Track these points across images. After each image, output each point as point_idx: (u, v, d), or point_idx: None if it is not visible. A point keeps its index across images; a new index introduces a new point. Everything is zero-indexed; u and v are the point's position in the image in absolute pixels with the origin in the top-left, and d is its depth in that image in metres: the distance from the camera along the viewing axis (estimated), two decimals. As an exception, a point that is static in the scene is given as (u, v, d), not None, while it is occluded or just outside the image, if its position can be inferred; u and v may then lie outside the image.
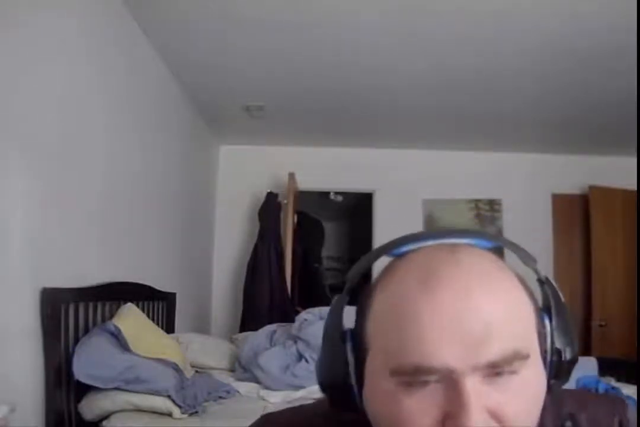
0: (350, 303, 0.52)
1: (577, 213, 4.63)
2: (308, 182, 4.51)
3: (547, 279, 0.51)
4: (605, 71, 3.04)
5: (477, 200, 4.68)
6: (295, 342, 2.58)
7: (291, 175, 4.28)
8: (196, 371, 2.57)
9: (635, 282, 3.95)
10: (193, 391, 1.98)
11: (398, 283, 0.48)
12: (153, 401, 1.87)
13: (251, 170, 4.68)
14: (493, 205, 4.68)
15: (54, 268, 1.89)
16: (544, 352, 0.49)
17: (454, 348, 0.43)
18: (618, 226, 4.40)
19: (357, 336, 0.50)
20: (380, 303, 0.48)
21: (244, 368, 2.59)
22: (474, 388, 0.43)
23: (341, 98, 3.62)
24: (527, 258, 0.51)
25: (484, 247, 0.50)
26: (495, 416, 0.44)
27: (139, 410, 1.87)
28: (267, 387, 2.40)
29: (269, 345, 2.69)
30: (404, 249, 0.50)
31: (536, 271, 0.50)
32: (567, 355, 0.50)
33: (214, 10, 2.49)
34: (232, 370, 2.74)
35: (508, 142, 4.52)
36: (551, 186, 4.71)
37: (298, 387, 2.29)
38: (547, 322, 0.49)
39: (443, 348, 0.43)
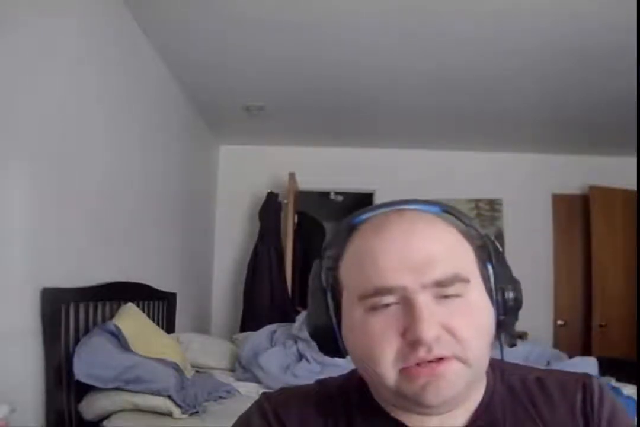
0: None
1: (577, 213, 4.63)
2: (308, 182, 4.51)
3: (487, 235, 0.61)
4: (605, 71, 3.04)
5: (477, 200, 4.68)
6: (296, 342, 2.58)
7: (291, 175, 4.28)
8: (196, 371, 2.57)
9: (635, 283, 3.94)
10: (193, 391, 1.98)
11: (359, 237, 0.59)
12: (153, 401, 1.86)
13: (251, 170, 4.68)
14: (493, 205, 4.69)
15: (54, 268, 1.89)
16: (489, 291, 0.58)
17: (404, 271, 0.54)
18: (618, 226, 4.40)
19: (333, 285, 0.61)
20: (347, 253, 0.60)
21: (244, 368, 2.59)
22: (426, 304, 0.53)
23: (341, 98, 3.62)
24: (466, 218, 0.61)
25: (429, 211, 0.61)
26: (447, 329, 0.52)
27: (139, 410, 1.87)
28: (267, 387, 2.39)
29: (269, 345, 2.69)
30: (364, 216, 0.62)
31: (476, 229, 0.61)
32: (510, 293, 0.59)
33: (214, 10, 2.49)
34: (232, 370, 2.75)
35: (508, 142, 4.52)
36: (551, 186, 4.71)
37: (298, 387, 2.28)
38: (489, 266, 0.59)
39: (395, 272, 0.54)
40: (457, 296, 0.54)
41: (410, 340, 0.52)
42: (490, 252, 0.60)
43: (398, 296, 0.54)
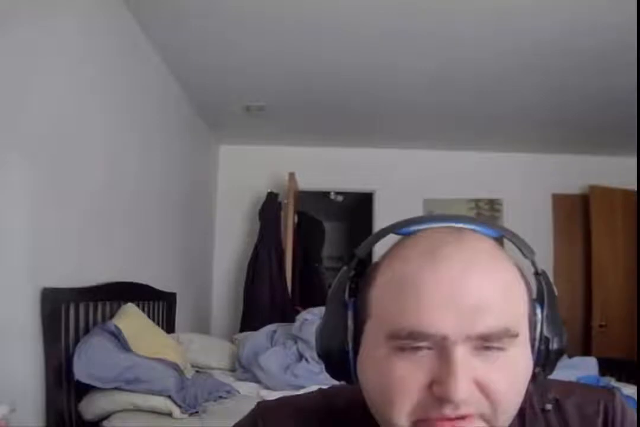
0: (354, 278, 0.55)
1: (577, 213, 4.63)
2: (308, 182, 4.51)
3: (543, 271, 0.53)
4: (605, 71, 3.04)
5: (477, 200, 4.68)
6: (296, 342, 2.58)
7: (291, 175, 4.28)
8: (196, 371, 2.57)
9: (635, 283, 3.94)
10: (193, 391, 1.98)
11: (404, 256, 0.50)
12: (153, 401, 1.87)
13: (251, 170, 4.68)
14: (493, 205, 4.69)
15: (53, 268, 1.89)
16: (532, 340, 0.51)
17: (449, 317, 0.45)
18: (618, 226, 4.40)
19: (359, 305, 0.52)
20: (386, 273, 0.50)
21: (244, 368, 2.59)
22: (464, 358, 0.45)
23: (341, 98, 3.62)
24: (527, 250, 0.53)
25: (487, 235, 0.52)
26: (480, 387, 0.46)
27: (139, 410, 1.87)
28: (267, 387, 2.40)
29: (270, 345, 2.69)
30: (412, 228, 0.53)
31: (533, 263, 0.53)
32: (555, 345, 0.52)
33: (215, 10, 2.49)
34: (232, 370, 2.75)
35: (508, 142, 4.52)
36: (551, 186, 4.71)
37: (298, 387, 2.29)
38: (538, 311, 0.51)
39: (439, 316, 0.45)
40: (500, 349, 0.47)
41: (438, 396, 0.45)
42: (543, 294, 0.52)
43: (433, 342, 0.46)
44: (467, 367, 0.45)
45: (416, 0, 2.38)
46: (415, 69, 3.12)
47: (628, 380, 2.53)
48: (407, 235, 0.53)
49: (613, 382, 2.46)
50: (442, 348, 0.46)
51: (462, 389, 0.44)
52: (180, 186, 3.57)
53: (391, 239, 0.55)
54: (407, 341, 0.46)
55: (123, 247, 2.55)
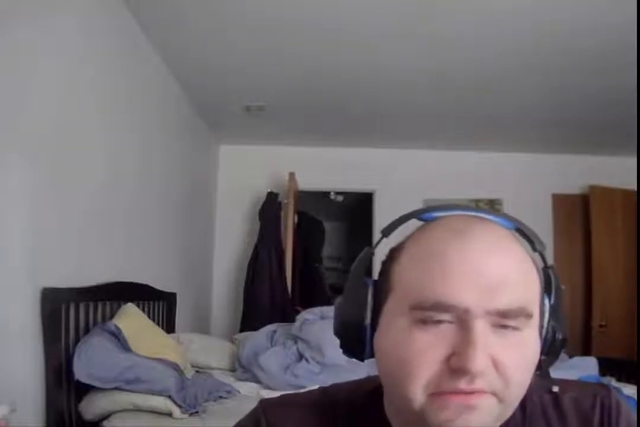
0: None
1: (577, 213, 4.63)
2: (308, 182, 4.51)
3: (552, 266, 0.56)
4: (605, 71, 3.04)
5: (477, 200, 4.68)
6: (296, 342, 2.58)
7: (291, 176, 4.28)
8: (196, 371, 2.57)
9: (635, 283, 3.94)
10: (193, 391, 1.98)
11: (431, 233, 0.53)
12: (153, 401, 1.86)
13: (251, 170, 4.68)
14: (493, 205, 4.68)
15: (53, 268, 1.89)
16: (540, 327, 0.53)
17: (472, 291, 0.48)
18: (618, 226, 4.40)
19: (381, 282, 0.54)
20: (412, 248, 0.53)
21: (244, 368, 2.59)
22: (483, 331, 0.47)
23: (341, 98, 3.62)
24: (539, 243, 0.56)
25: (505, 227, 0.55)
26: (495, 363, 0.48)
27: (139, 410, 1.87)
28: (267, 387, 2.40)
29: (270, 345, 2.69)
30: (435, 214, 0.56)
31: (543, 256, 0.56)
32: (559, 335, 0.54)
33: (215, 10, 2.49)
34: (232, 370, 2.75)
35: (508, 142, 4.53)
36: (551, 186, 4.71)
37: (298, 387, 2.29)
38: (546, 301, 0.54)
39: (463, 289, 0.48)
40: (515, 329, 0.49)
41: (456, 367, 0.47)
42: (551, 285, 0.55)
43: (454, 316, 0.48)
44: (485, 341, 0.47)
45: (416, 0, 2.38)
46: (415, 69, 3.12)
47: (628, 380, 2.53)
48: (431, 220, 0.55)
49: (613, 382, 2.46)
50: (463, 321, 0.48)
51: (480, 360, 0.46)
52: (180, 186, 3.57)
53: (397, 234, 0.58)
54: (430, 312, 0.48)
55: (123, 247, 2.55)
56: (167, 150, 3.29)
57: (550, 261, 0.56)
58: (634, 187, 3.92)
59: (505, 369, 0.48)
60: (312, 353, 2.46)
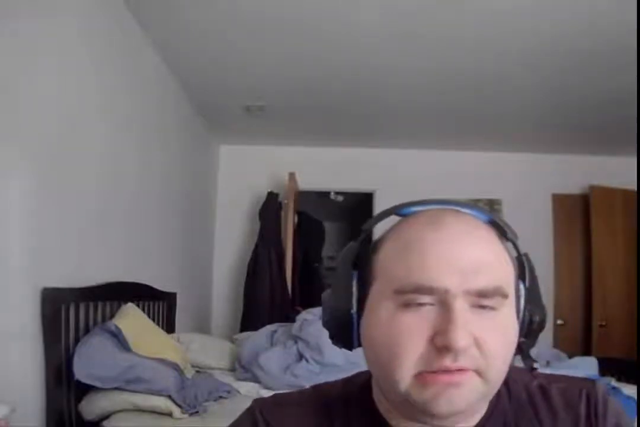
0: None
1: (577, 213, 4.63)
2: (308, 182, 4.51)
3: (526, 254, 0.59)
4: (605, 71, 3.04)
5: (477, 200, 4.68)
6: (296, 342, 2.58)
7: (291, 175, 4.28)
8: (196, 371, 2.57)
9: (635, 282, 3.95)
10: (193, 390, 1.98)
11: (409, 224, 0.57)
12: (153, 401, 1.86)
13: (251, 170, 4.68)
14: (493, 205, 4.68)
15: (54, 268, 1.89)
16: (517, 312, 0.56)
17: (450, 273, 0.51)
18: (618, 226, 4.40)
19: (364, 272, 0.58)
20: (391, 240, 0.56)
21: (244, 368, 2.59)
22: (463, 311, 0.50)
23: (341, 98, 3.62)
24: (511, 233, 0.58)
25: (479, 218, 0.58)
26: (476, 340, 0.50)
27: (139, 410, 1.87)
28: (267, 387, 2.40)
29: (269, 345, 2.69)
30: (413, 209, 0.59)
31: (516, 246, 0.59)
32: (537, 317, 0.57)
33: (215, 10, 2.49)
34: (232, 370, 2.75)
35: (508, 142, 4.53)
36: (551, 186, 4.71)
37: (298, 387, 2.28)
38: (522, 286, 0.57)
39: (442, 272, 0.51)
40: (492, 309, 0.52)
41: (440, 345, 0.49)
42: (525, 272, 0.58)
43: (436, 298, 0.51)
44: (465, 320, 0.50)
45: (416, 0, 2.38)
46: (415, 69, 3.12)
47: (628, 380, 2.53)
48: (411, 214, 0.59)
49: (613, 382, 2.46)
50: (443, 302, 0.51)
51: (462, 337, 0.48)
52: (180, 186, 3.57)
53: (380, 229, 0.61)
54: (413, 295, 0.51)
55: (123, 247, 2.55)
56: (167, 150, 3.29)
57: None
58: (634, 187, 3.92)
59: (486, 346, 0.50)
60: (312, 353, 2.46)
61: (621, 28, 2.51)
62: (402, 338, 0.51)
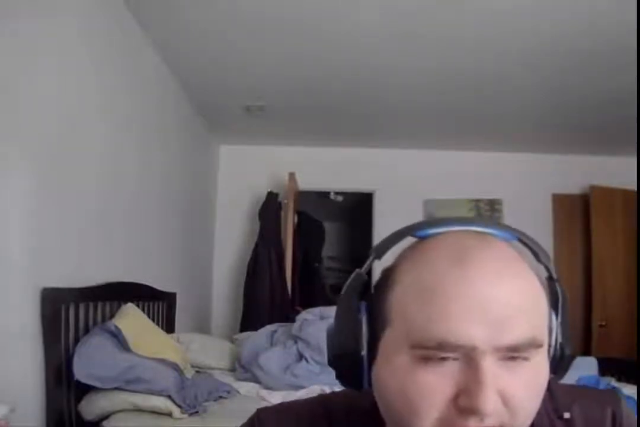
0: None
1: (577, 213, 4.63)
2: (308, 182, 4.51)
3: (557, 278, 0.52)
4: (605, 71, 3.04)
5: (477, 200, 4.68)
6: (296, 342, 2.58)
7: (291, 176, 4.28)
8: (196, 371, 2.57)
9: (635, 282, 3.94)
10: (193, 391, 1.98)
11: (429, 259, 0.48)
12: (153, 401, 1.86)
13: (251, 170, 4.68)
14: (493, 205, 4.69)
15: (54, 268, 1.89)
16: (548, 347, 0.50)
17: (479, 327, 0.44)
18: (618, 226, 4.40)
19: (377, 309, 0.50)
20: (408, 277, 0.49)
21: (244, 368, 2.59)
22: (491, 369, 0.44)
23: (341, 98, 3.62)
24: (543, 255, 0.53)
25: (506, 239, 0.51)
26: (503, 395, 0.45)
27: (139, 410, 1.87)
28: (267, 387, 2.40)
29: (269, 345, 2.69)
30: (431, 231, 0.51)
31: (548, 268, 0.52)
32: (567, 351, 0.52)
33: (215, 10, 2.49)
34: (232, 370, 2.75)
35: (508, 142, 4.52)
36: (551, 186, 4.71)
37: (298, 387, 2.29)
38: (554, 317, 0.51)
39: (468, 326, 0.44)
40: (524, 359, 0.46)
41: (465, 407, 0.44)
42: (558, 301, 0.52)
43: (460, 353, 0.45)
44: (494, 378, 0.44)
45: (416, 0, 2.38)
46: (415, 69, 3.12)
47: (628, 380, 2.53)
48: (425, 238, 0.51)
49: (613, 382, 2.46)
50: (469, 359, 0.45)
51: (490, 400, 0.43)
52: (180, 186, 3.57)
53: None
54: (434, 351, 0.45)
55: (123, 247, 2.55)
56: (167, 150, 3.29)
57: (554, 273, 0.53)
58: (634, 187, 3.92)
59: (515, 403, 0.46)
60: (311, 353, 2.46)
61: (621, 28, 2.51)
62: (421, 397, 0.46)
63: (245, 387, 2.39)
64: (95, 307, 2.16)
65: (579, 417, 0.57)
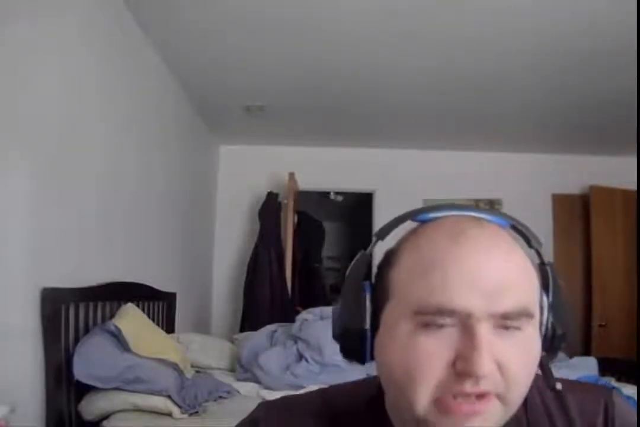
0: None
1: (577, 213, 4.64)
2: (308, 182, 4.51)
3: (550, 263, 0.57)
4: (605, 71, 3.04)
5: (477, 200, 4.68)
6: (296, 342, 2.58)
7: (291, 176, 4.28)
8: (196, 371, 2.57)
9: (635, 282, 3.94)
10: (193, 391, 1.98)
11: (428, 238, 0.52)
12: (153, 401, 1.86)
13: (251, 170, 4.68)
14: (493, 205, 4.69)
15: (54, 268, 1.89)
16: (539, 325, 0.53)
17: (474, 295, 0.48)
18: (618, 226, 4.40)
19: (379, 286, 0.54)
20: (409, 254, 0.53)
21: (244, 368, 2.59)
22: (487, 335, 0.48)
23: (341, 98, 3.62)
24: (535, 240, 0.57)
25: (500, 225, 0.55)
26: (498, 363, 0.48)
27: (139, 410, 1.87)
28: (267, 387, 2.40)
29: (269, 345, 2.69)
30: (431, 215, 0.55)
31: (540, 253, 0.57)
32: (559, 331, 0.55)
33: (215, 10, 2.49)
34: (232, 370, 2.75)
35: (508, 142, 4.53)
36: (551, 186, 4.71)
37: (298, 387, 2.29)
38: (544, 298, 0.55)
39: (465, 294, 0.48)
40: (516, 329, 0.49)
41: (461, 370, 0.47)
42: (549, 282, 0.55)
43: (458, 320, 0.48)
44: (490, 344, 0.47)
45: (416, 0, 2.38)
46: (415, 69, 3.12)
47: (628, 380, 2.53)
48: (426, 222, 0.55)
49: (613, 382, 2.46)
50: (466, 325, 0.48)
51: (486, 363, 0.46)
52: (180, 186, 3.57)
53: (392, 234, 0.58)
54: (433, 316, 0.48)
55: (123, 247, 2.55)
56: (167, 150, 3.29)
57: (547, 257, 0.57)
58: (634, 187, 3.92)
59: (509, 371, 0.48)
60: (312, 353, 2.46)
61: (621, 28, 2.51)
62: (421, 362, 0.48)
63: (245, 387, 2.39)
64: (95, 307, 2.16)
65: (573, 403, 0.59)
